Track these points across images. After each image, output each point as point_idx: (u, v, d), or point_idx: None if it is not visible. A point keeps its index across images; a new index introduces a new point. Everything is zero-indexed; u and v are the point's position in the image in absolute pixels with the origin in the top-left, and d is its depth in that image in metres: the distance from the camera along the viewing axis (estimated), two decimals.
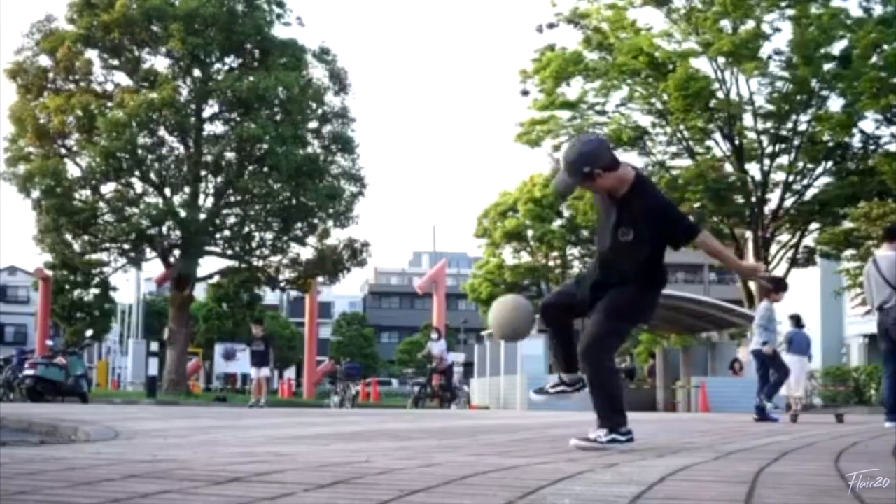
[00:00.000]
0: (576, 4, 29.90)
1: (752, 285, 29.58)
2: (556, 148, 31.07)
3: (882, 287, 8.93)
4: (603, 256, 4.84)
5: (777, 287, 11.17)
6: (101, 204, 26.82)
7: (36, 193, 25.49)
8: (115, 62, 27.36)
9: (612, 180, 4.61)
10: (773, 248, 29.92)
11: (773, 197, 29.79)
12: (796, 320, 17.09)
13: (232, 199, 27.93)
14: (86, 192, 26.85)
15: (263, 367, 19.13)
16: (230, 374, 40.14)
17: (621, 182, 4.63)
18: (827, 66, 27.39)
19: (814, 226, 30.20)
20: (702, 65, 28.76)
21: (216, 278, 32.48)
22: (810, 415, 11.82)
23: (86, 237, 26.91)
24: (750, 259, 30.65)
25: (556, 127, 30.41)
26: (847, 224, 27.42)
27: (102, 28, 26.01)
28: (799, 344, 15.72)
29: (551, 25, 30.25)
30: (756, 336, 11.31)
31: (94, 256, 28.82)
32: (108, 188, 27.01)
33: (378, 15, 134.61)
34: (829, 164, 29.41)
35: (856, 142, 29.10)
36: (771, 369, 11.09)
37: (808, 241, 30.55)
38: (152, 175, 26.91)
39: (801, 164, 29.32)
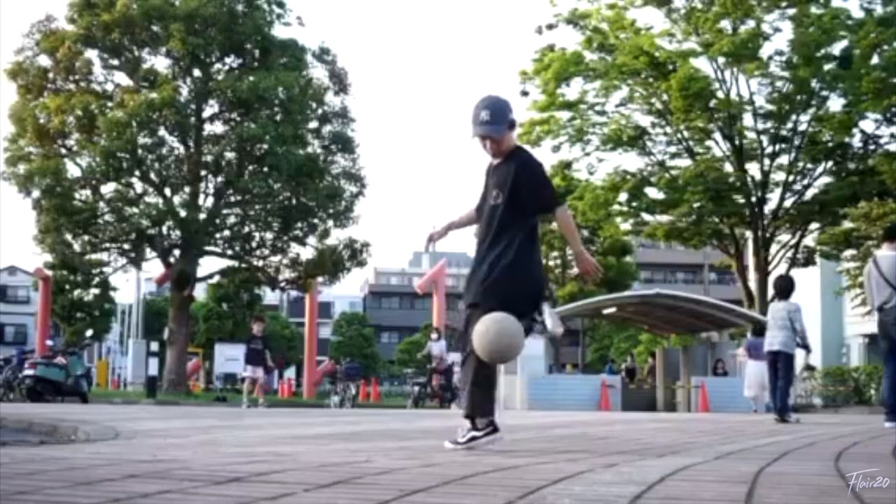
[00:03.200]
0: (575, 5, 29.96)
1: (753, 285, 29.61)
2: (557, 149, 31.13)
3: (883, 287, 8.93)
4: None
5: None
6: (101, 204, 26.81)
7: (36, 193, 25.48)
8: (115, 62, 27.35)
9: (512, 140, 4.62)
10: (773, 248, 29.94)
11: (773, 197, 29.82)
12: (756, 328, 19.42)
13: (232, 199, 27.92)
14: (86, 192, 26.84)
15: (259, 366, 18.23)
16: (231, 374, 40.10)
17: (510, 145, 4.60)
18: (827, 67, 27.40)
19: (814, 226, 30.20)
20: (702, 65, 28.81)
21: (216, 278, 32.47)
22: (809, 414, 11.80)
23: (86, 237, 26.89)
24: (750, 260, 30.68)
25: (556, 127, 30.41)
26: (847, 224, 27.42)
27: (102, 28, 26.00)
28: (759, 350, 17.23)
29: (551, 26, 30.28)
30: (777, 335, 10.84)
31: (94, 256, 28.81)
32: (108, 188, 27.01)
33: (378, 15, 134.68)
34: (829, 164, 29.42)
35: (856, 142, 29.12)
36: (781, 371, 10.89)
37: (808, 241, 30.55)
38: (152, 175, 26.90)
39: (801, 164, 29.33)
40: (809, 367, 23.63)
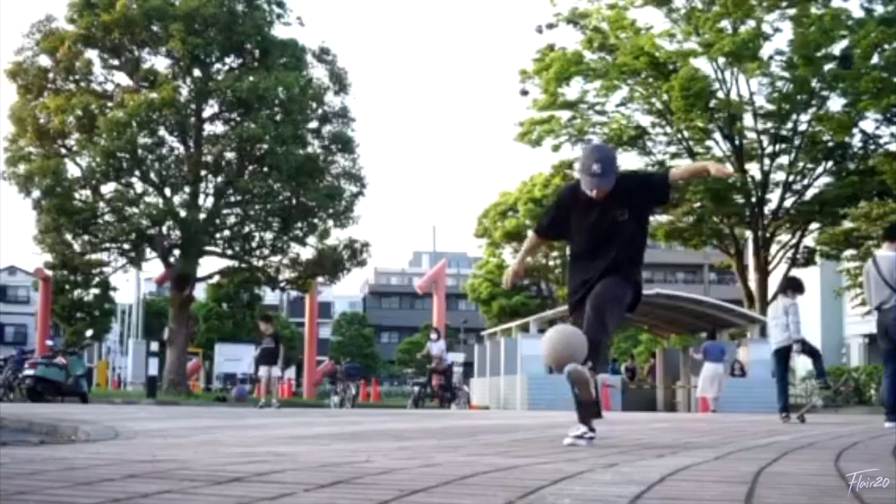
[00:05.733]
0: (575, 4, 29.97)
1: (753, 285, 29.62)
2: (556, 148, 31.16)
3: (881, 287, 8.92)
4: (589, 245, 5.20)
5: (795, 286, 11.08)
6: (101, 204, 26.79)
7: (36, 193, 25.47)
8: (115, 62, 27.33)
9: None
10: (773, 248, 29.94)
11: (773, 197, 29.85)
12: (710, 333, 21.75)
13: (232, 199, 27.91)
14: (86, 192, 26.82)
15: (274, 365, 17.87)
16: (231, 374, 40.09)
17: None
18: (827, 67, 27.41)
19: (814, 226, 30.21)
20: (701, 64, 28.82)
21: (216, 278, 32.44)
22: (809, 414, 11.80)
23: (86, 237, 26.88)
24: (750, 260, 30.68)
25: (557, 127, 30.43)
26: (847, 224, 27.44)
27: (102, 28, 25.98)
28: (712, 353, 19.77)
29: (551, 26, 30.31)
30: (779, 336, 10.74)
31: (94, 256, 28.78)
32: (108, 188, 26.99)
33: (378, 15, 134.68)
34: (829, 164, 29.43)
35: (856, 142, 29.13)
36: (782, 367, 10.86)
37: (808, 241, 30.56)
38: (152, 175, 26.89)
39: (801, 164, 29.35)
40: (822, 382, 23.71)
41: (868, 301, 9.48)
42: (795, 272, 28.49)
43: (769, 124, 29.02)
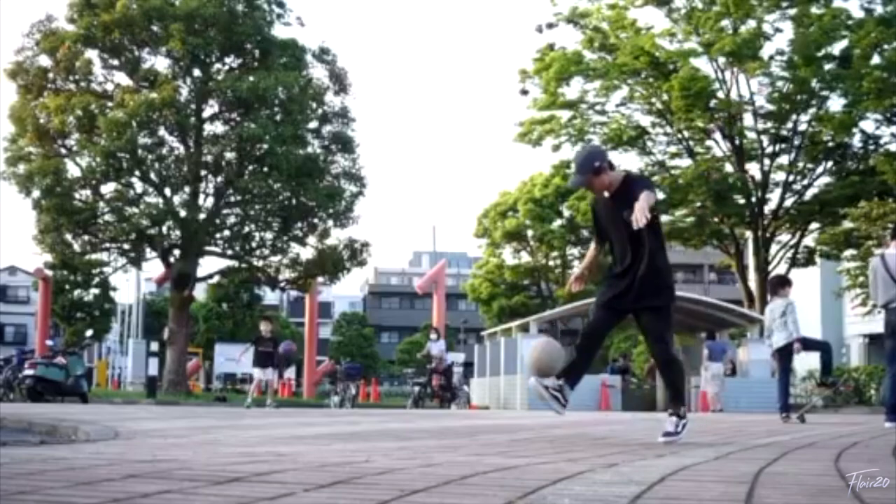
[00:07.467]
0: (575, 4, 29.96)
1: (753, 284, 29.62)
2: (556, 148, 31.18)
3: (889, 286, 8.89)
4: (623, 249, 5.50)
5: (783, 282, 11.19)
6: (101, 204, 26.78)
7: (36, 193, 25.46)
8: (115, 62, 27.32)
9: (612, 177, 5.52)
10: (773, 248, 29.94)
11: (773, 197, 29.84)
12: (710, 334, 22.22)
13: (232, 199, 27.90)
14: (86, 192, 26.80)
15: (269, 367, 17.66)
16: (231, 374, 40.07)
17: (616, 179, 5.54)
18: (827, 67, 27.41)
19: (814, 226, 30.21)
20: (702, 64, 28.83)
21: (216, 278, 32.44)
22: (809, 414, 11.81)
23: (86, 237, 26.87)
24: (750, 260, 30.68)
25: (557, 127, 30.42)
26: (847, 224, 27.42)
27: (102, 28, 25.97)
28: (715, 353, 20.62)
29: (551, 25, 30.31)
30: (782, 334, 10.66)
31: (94, 256, 28.76)
32: (108, 188, 26.97)
33: (378, 15, 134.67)
34: (830, 164, 29.44)
35: (856, 142, 29.14)
36: (784, 367, 10.83)
37: (808, 241, 30.55)
38: (152, 175, 26.88)
39: (801, 164, 29.35)
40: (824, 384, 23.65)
41: (874, 299, 9.45)
42: (795, 272, 28.50)
43: (769, 124, 29.02)
